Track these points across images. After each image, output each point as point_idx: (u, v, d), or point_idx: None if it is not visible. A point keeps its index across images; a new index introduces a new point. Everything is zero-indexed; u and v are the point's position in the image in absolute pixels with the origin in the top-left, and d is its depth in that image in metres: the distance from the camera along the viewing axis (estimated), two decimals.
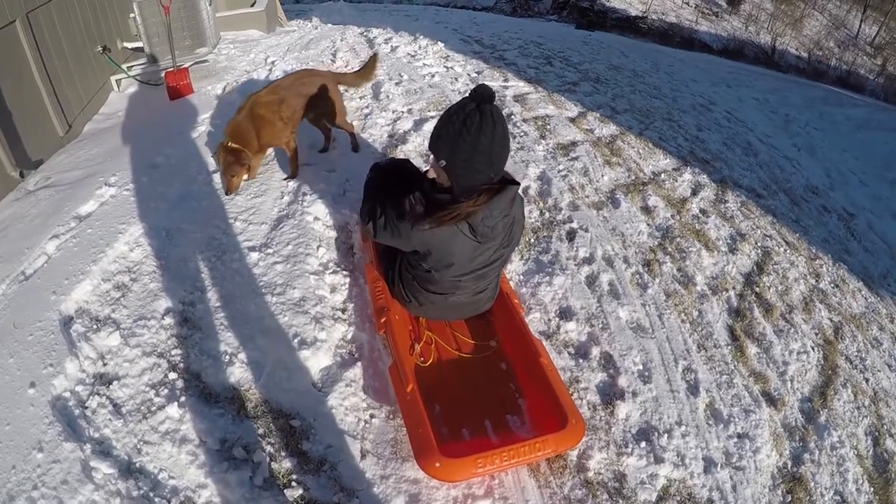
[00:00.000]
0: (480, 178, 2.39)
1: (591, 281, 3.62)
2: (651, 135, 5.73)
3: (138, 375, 2.74)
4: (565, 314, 3.36)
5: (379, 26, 7.80)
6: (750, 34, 19.68)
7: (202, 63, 6.34)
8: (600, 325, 3.33)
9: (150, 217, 3.65)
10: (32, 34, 4.53)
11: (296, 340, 2.98)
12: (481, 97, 2.28)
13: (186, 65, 5.84)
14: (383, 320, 2.91)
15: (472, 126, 2.27)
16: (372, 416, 2.76)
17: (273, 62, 6.53)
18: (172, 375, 2.77)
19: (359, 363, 2.97)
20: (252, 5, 8.24)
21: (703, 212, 4.61)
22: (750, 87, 9.50)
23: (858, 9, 23.27)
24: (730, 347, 3.46)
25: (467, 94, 2.32)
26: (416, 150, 4.66)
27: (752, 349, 3.50)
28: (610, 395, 3.01)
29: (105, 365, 2.77)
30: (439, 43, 7.26)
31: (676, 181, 4.95)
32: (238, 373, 2.83)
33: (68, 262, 3.26)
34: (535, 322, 3.29)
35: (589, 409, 2.93)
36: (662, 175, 4.98)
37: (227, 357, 2.89)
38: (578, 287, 3.53)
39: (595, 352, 3.18)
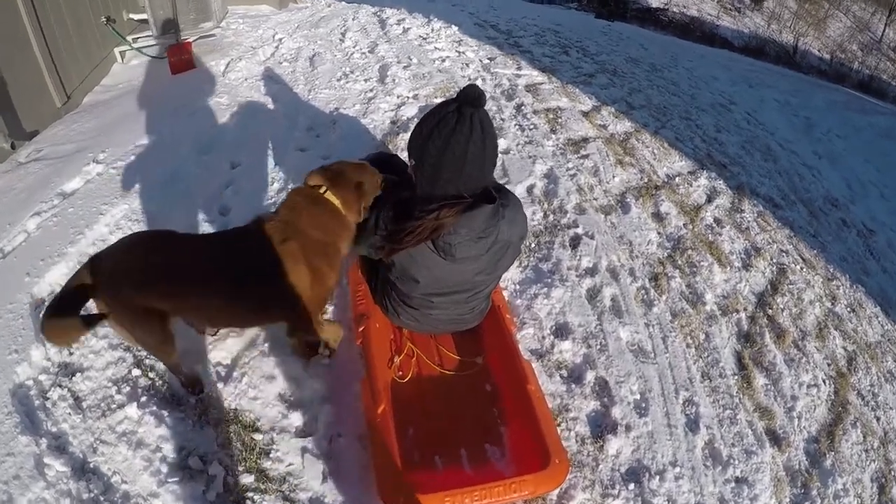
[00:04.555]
0: (446, 189, 2.03)
1: (593, 295, 3.27)
2: (667, 134, 5.32)
3: (102, 369, 2.56)
4: (561, 331, 3.02)
5: (393, 6, 7.38)
6: (772, 32, 18.98)
7: (208, 37, 6.07)
8: (598, 346, 2.99)
9: (134, 198, 3.48)
10: (32, 2, 4.32)
11: (266, 345, 2.73)
12: (465, 98, 1.92)
13: (190, 39, 5.60)
14: (361, 329, 2.59)
15: (444, 128, 1.93)
16: (339, 435, 2.46)
17: (280, 39, 6.26)
18: (136, 372, 2.57)
19: (330, 373, 2.67)
20: None
21: (717, 221, 4.23)
22: (771, 87, 9.00)
23: (883, 12, 22.52)
24: (736, 378, 3.11)
25: (465, 87, 1.97)
26: None
27: (759, 380, 3.15)
28: (601, 427, 2.67)
29: (71, 354, 2.59)
30: (453, 26, 6.82)
31: (691, 186, 4.56)
32: (204, 376, 2.59)
33: (46, 242, 3.11)
34: (527, 339, 2.95)
35: (576, 442, 2.60)
36: (677, 179, 4.59)
37: (195, 357, 2.64)
38: (578, 301, 3.18)
39: (590, 376, 2.84)
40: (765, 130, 6.65)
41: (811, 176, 5.92)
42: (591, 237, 3.63)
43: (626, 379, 2.87)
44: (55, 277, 2.93)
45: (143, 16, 5.82)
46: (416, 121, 4.37)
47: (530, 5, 11.25)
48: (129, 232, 3.14)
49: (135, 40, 5.80)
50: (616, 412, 2.72)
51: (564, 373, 2.86)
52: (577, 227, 3.69)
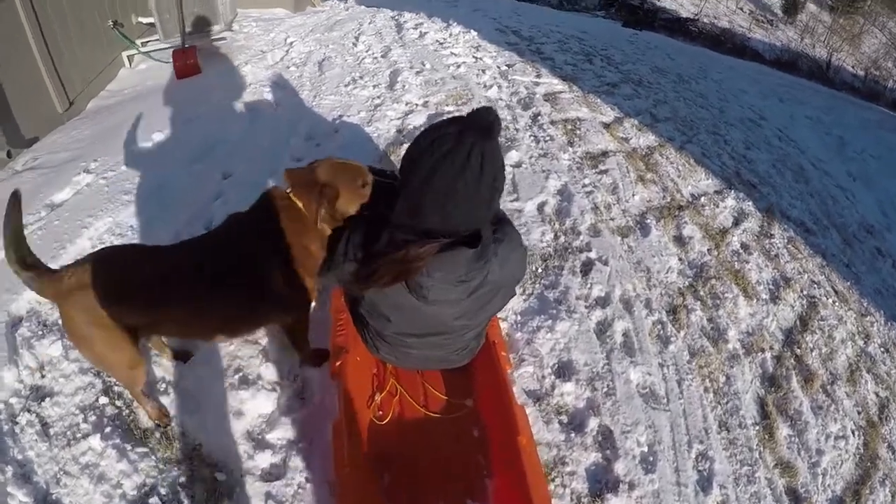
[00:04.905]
0: (425, 223, 1.68)
1: (602, 329, 2.94)
2: (693, 149, 4.98)
3: (71, 394, 2.39)
4: (564, 371, 2.69)
5: (413, 10, 7.14)
6: (805, 46, 18.46)
7: (219, 40, 5.88)
8: (604, 390, 2.66)
9: (120, 211, 3.30)
10: (32, 5, 4.17)
11: (237, 376, 2.48)
12: (471, 123, 1.57)
13: (196, 43, 5.40)
14: (338, 364, 2.28)
15: (436, 151, 1.59)
16: (307, 481, 2.19)
17: (292, 43, 6.06)
18: (103, 400, 2.38)
19: (304, 411, 2.40)
20: None
21: (744, 247, 3.90)
22: (803, 103, 8.59)
23: None
24: (757, 428, 2.79)
25: (476, 109, 1.60)
26: None
27: (783, 431, 2.83)
28: (601, 483, 2.36)
29: (43, 377, 2.44)
30: (472, 31, 6.52)
31: (717, 207, 4.23)
32: (171, 406, 2.38)
33: None
34: (525, 378, 2.63)
35: (572, 500, 2.28)
36: (702, 199, 4.25)
37: (164, 386, 2.44)
38: (585, 337, 2.85)
39: (592, 424, 2.52)
40: (796, 148, 6.29)
41: (845, 199, 5.56)
42: (605, 262, 3.31)
43: (633, 428, 2.55)
44: (32, 294, 2.68)
45: (152, 19, 5.62)
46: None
47: (556, 12, 10.96)
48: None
49: (143, 44, 5.66)
50: (619, 467, 2.40)
51: (564, 419, 2.54)
52: (589, 250, 3.37)
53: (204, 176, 3.63)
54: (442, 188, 1.59)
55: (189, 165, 3.72)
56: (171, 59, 5.19)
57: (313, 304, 2.33)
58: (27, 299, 2.73)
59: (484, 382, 2.35)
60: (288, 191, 2.05)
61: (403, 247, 1.66)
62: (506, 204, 3.52)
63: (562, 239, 3.43)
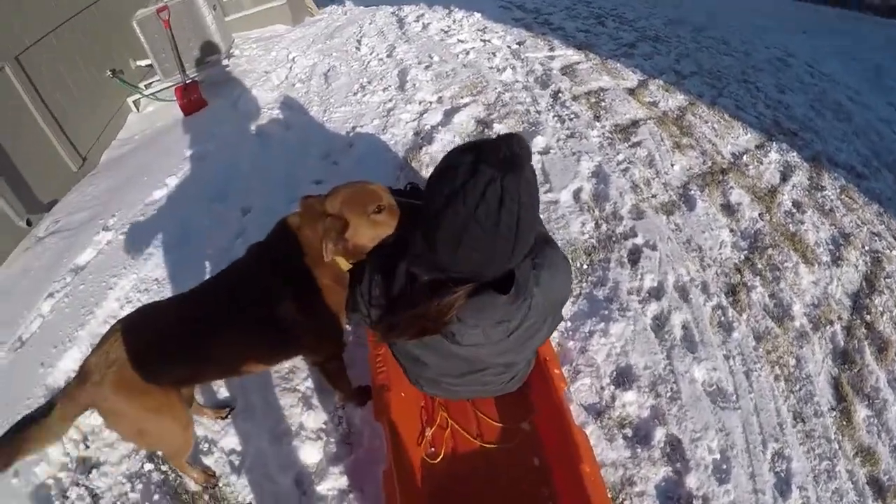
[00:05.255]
0: (439, 260, 1.45)
1: (659, 325, 2.71)
2: (726, 103, 4.66)
3: (117, 463, 2.37)
4: (623, 378, 2.48)
5: (412, 2, 6.91)
6: None
7: (221, 68, 5.79)
8: (668, 394, 2.44)
9: (143, 265, 3.28)
10: (27, 76, 4.25)
11: (279, 427, 2.36)
12: (490, 156, 1.30)
13: (197, 77, 5.35)
14: (382, 405, 2.09)
15: (449, 183, 1.35)
16: None
17: (294, 58, 5.90)
18: (149, 466, 2.35)
19: (352, 457, 2.26)
20: None
21: (796, 205, 3.61)
22: (829, 31, 8.06)
23: None
24: (834, 414, 2.54)
25: (498, 137, 1.34)
26: (443, 150, 3.73)
27: (860, 413, 2.57)
28: (673, 501, 2.16)
29: (87, 448, 2.44)
30: (476, 14, 6.24)
31: (762, 164, 3.92)
32: (216, 466, 2.31)
33: (59, 326, 3.00)
34: (582, 392, 2.43)
35: None
36: (745, 157, 3.95)
37: (206, 445, 2.37)
38: (643, 336, 2.63)
39: (659, 435, 2.31)
40: (831, 83, 5.87)
41: (891, 133, 5.18)
42: (653, 247, 3.07)
43: (702, 434, 2.34)
44: (68, 364, 2.78)
45: (149, 61, 5.59)
46: (440, 129, 3.89)
47: None
48: (139, 304, 2.97)
49: (147, 86, 5.62)
50: (691, 480, 2.20)
51: (628, 432, 2.34)
52: (635, 235, 3.13)
53: (224, 215, 3.54)
54: (452, 227, 1.36)
55: (207, 206, 3.63)
56: (174, 98, 5.11)
57: (346, 338, 2.15)
58: (62, 370, 2.73)
59: (539, 403, 2.16)
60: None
61: (422, 294, 1.48)
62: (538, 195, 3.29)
63: (604, 227, 3.20)
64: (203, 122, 4.83)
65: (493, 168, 1.29)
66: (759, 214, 3.45)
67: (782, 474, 2.31)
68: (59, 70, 4.62)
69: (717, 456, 2.30)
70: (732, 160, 3.91)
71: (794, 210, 3.57)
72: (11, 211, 3.78)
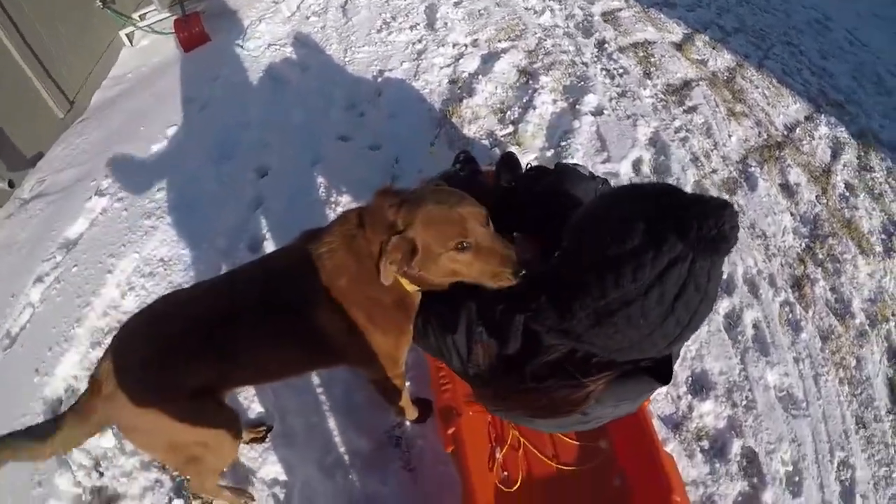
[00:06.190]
0: (570, 327, 1.14)
1: (732, 324, 2.50)
2: (773, 66, 4.34)
3: (139, 497, 2.02)
4: (700, 386, 2.29)
5: None
6: None
7: None
8: (744, 403, 2.27)
9: (144, 241, 2.81)
10: (2, 7, 3.49)
11: (329, 456, 2.07)
12: (707, 244, 0.97)
13: (198, 7, 4.57)
14: (451, 432, 1.84)
15: (612, 246, 1.03)
16: None
17: None
18: (178, 502, 2.00)
19: (416, 486, 2.02)
20: None
21: (849, 187, 3.38)
22: None
23: None
24: (891, 418, 2.41)
25: (707, 202, 0.99)
26: (487, 103, 3.41)
27: None
28: None
29: (101, 476, 2.06)
30: None
31: (813, 139, 3.66)
32: (261, 497, 1.99)
33: (52, 321, 2.55)
34: (658, 402, 2.22)
35: None
36: (797, 130, 3.68)
37: (244, 474, 2.04)
38: (717, 338, 2.41)
39: (735, 447, 2.15)
40: (870, 53, 5.55)
41: None
42: None
43: (777, 445, 2.19)
44: (66, 370, 2.38)
45: None
46: (480, 78, 3.52)
47: None
48: (145, 291, 2.59)
49: (141, 17, 4.81)
50: (767, 496, 2.06)
51: (706, 444, 2.16)
52: None
53: (235, 178, 3.08)
54: (605, 299, 1.05)
55: (216, 166, 3.15)
56: (174, 31, 4.47)
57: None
58: (60, 377, 2.36)
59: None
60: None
61: (552, 373, 1.18)
62: (597, 166, 2.99)
63: None
64: (206, 60, 4.22)
65: (686, 244, 0.97)
66: (816, 196, 3.23)
67: (847, 483, 2.21)
68: (42, 2, 3.94)
69: (790, 468, 2.17)
70: (786, 133, 3.65)
71: (848, 193, 3.36)
72: None
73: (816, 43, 5.21)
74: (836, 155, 3.62)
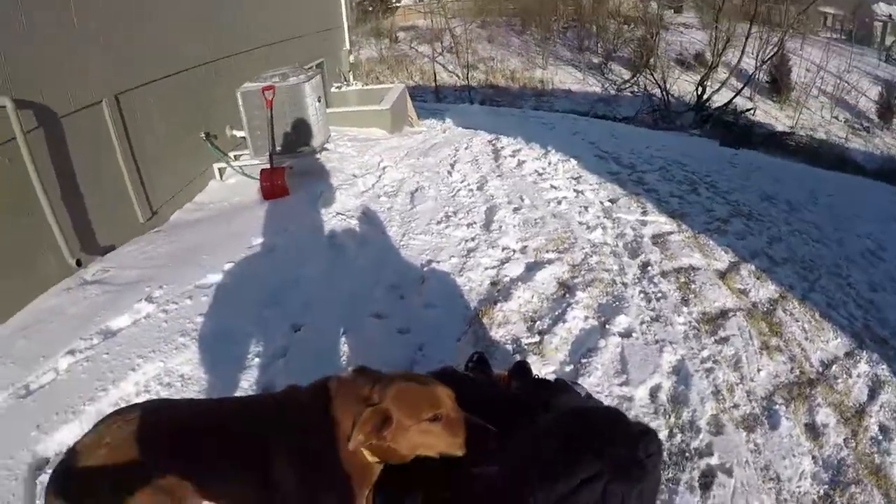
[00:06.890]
0: None
1: None
2: (818, 299, 4.44)
3: None
4: None
5: (510, 134, 6.95)
6: None
7: (312, 159, 5.77)
8: None
9: (173, 354, 3.07)
10: (121, 115, 4.18)
11: None
12: (619, 469, 1.06)
13: (285, 163, 5.24)
14: None
15: (557, 474, 1.10)
16: None
17: (385, 168, 5.92)
18: None
19: None
20: (380, 102, 7.67)
21: (883, 430, 3.29)
22: None
23: None
24: None
25: (624, 426, 1.13)
26: (520, 310, 3.66)
27: None
28: None
29: None
30: (571, 160, 6.28)
31: (851, 377, 3.64)
32: None
33: (68, 391, 2.78)
34: None
35: None
36: (834, 367, 3.68)
37: None
38: None
39: None
40: None
41: None
42: (729, 472, 2.80)
43: None
44: (64, 437, 2.52)
45: (244, 133, 5.59)
46: (519, 285, 3.77)
47: (652, 133, 10.72)
48: (155, 397, 2.76)
49: (236, 157, 5.57)
50: None
51: None
52: (710, 454, 2.87)
53: (272, 326, 3.37)
54: None
55: (258, 310, 3.46)
56: (259, 178, 5.01)
57: None
58: (56, 441, 2.51)
59: None
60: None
61: None
62: (613, 388, 3.11)
63: (678, 438, 2.94)
64: (280, 212, 4.69)
65: (599, 462, 1.06)
66: (844, 440, 3.17)
67: None
68: (153, 118, 4.56)
69: None
70: (821, 370, 3.66)
71: (881, 437, 3.27)
72: (65, 245, 3.59)
73: (866, 275, 5.30)
74: (873, 395, 3.57)
